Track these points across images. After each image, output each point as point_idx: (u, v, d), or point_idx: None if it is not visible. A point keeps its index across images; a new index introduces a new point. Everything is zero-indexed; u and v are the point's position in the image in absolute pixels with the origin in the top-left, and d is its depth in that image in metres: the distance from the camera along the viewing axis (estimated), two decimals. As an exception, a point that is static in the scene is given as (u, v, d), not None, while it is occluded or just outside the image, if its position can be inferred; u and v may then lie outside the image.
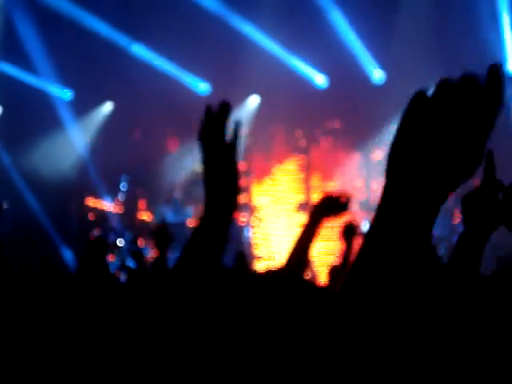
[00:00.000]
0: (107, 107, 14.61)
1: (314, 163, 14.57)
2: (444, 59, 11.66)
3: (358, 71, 12.97)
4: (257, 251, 13.80)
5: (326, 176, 14.55)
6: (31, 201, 13.86)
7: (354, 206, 13.83)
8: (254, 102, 14.20)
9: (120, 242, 13.38)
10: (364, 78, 13.10)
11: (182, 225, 12.90)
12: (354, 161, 14.15)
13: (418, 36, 12.26)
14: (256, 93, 14.02)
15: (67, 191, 13.55)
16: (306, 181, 14.64)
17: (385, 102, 12.77)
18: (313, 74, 13.46)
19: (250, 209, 14.29)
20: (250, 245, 13.56)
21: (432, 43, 12.13)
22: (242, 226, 13.71)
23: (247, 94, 14.02)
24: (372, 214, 1.13)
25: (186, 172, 14.33)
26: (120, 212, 14.39)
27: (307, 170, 14.63)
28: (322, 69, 13.36)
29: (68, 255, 13.41)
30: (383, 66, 13.06)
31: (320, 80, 13.52)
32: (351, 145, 13.90)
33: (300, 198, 14.59)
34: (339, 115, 13.48)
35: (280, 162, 14.69)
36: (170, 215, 13.07)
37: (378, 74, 13.16)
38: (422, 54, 12.05)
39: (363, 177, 14.10)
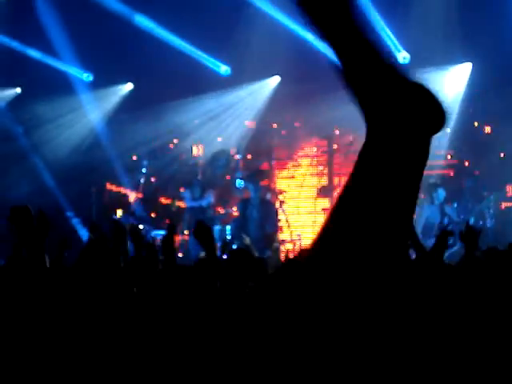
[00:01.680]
0: (127, 87, 14.46)
1: (335, 146, 14.36)
2: (462, 39, 11.53)
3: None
4: (280, 235, 13.64)
5: (349, 159, 14.33)
6: (51, 184, 13.80)
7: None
8: (274, 82, 13.95)
9: (141, 226, 13.27)
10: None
11: (201, 209, 12.78)
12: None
13: (437, 17, 12.02)
14: (277, 73, 13.79)
15: (87, 174, 13.44)
16: (329, 164, 14.44)
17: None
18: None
19: (272, 193, 14.12)
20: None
21: (451, 23, 11.90)
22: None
23: (268, 75, 13.82)
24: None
25: (205, 155, 14.21)
26: (140, 196, 14.29)
27: (329, 153, 14.43)
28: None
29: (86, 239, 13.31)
30: (404, 47, 12.80)
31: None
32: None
33: (322, 181, 14.42)
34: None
35: (302, 145, 14.50)
36: (188, 199, 12.94)
37: (402, 56, 12.89)
38: (441, 35, 11.85)
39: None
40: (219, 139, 14.20)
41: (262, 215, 11.44)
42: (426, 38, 11.86)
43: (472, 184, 12.77)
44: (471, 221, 11.90)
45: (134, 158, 14.32)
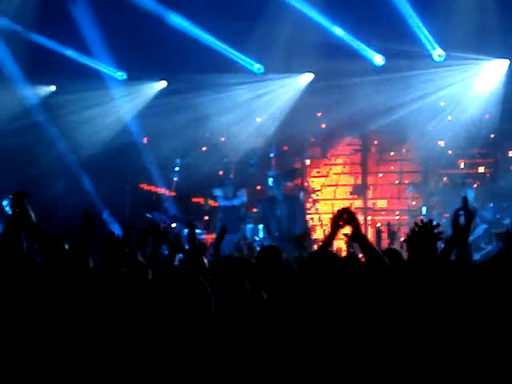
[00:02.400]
0: (160, 85, 14.45)
1: (370, 145, 14.26)
2: (499, 35, 11.39)
3: (416, 50, 12.57)
4: (314, 234, 13.58)
5: (382, 159, 14.22)
6: (85, 181, 13.90)
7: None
8: (307, 79, 13.83)
9: (173, 225, 13.31)
10: (422, 56, 12.70)
11: (234, 208, 12.75)
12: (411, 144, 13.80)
13: (473, 13, 11.86)
14: (310, 71, 13.70)
15: (121, 173, 13.50)
16: (363, 163, 14.34)
17: (443, 79, 12.49)
18: (370, 53, 13.07)
19: (304, 192, 14.08)
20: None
21: (488, 20, 11.74)
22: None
23: (301, 72, 13.75)
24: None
25: (238, 153, 14.17)
26: (173, 195, 14.32)
27: (363, 152, 14.32)
28: (378, 48, 12.98)
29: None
30: (440, 44, 12.64)
31: (378, 60, 13.12)
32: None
33: (355, 180, 14.33)
34: (394, 94, 13.05)
35: (335, 143, 14.41)
36: (221, 198, 12.92)
37: (437, 53, 12.73)
38: (477, 32, 11.71)
39: (420, 159, 13.73)
40: (251, 136, 14.11)
41: (288, 213, 11.36)
42: (461, 35, 11.72)
43: (507, 183, 12.62)
44: (507, 221, 11.75)
45: (168, 156, 14.33)
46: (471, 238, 6.70)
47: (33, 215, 4.25)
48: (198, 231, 11.66)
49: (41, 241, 3.99)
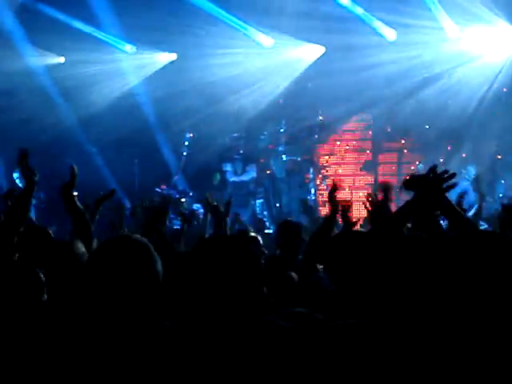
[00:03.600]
0: (171, 57, 14.26)
1: (379, 121, 14.13)
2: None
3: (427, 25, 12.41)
4: (322, 210, 13.53)
5: (392, 135, 14.11)
6: (93, 155, 13.87)
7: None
8: (317, 52, 13.60)
9: (183, 199, 13.28)
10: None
11: (244, 183, 12.73)
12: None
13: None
14: (321, 43, 13.49)
15: (130, 147, 13.45)
16: (373, 140, 14.24)
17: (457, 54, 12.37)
18: (381, 28, 12.88)
19: (314, 167, 14.01)
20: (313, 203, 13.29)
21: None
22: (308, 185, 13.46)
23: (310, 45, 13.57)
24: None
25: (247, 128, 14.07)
26: (182, 169, 14.28)
27: (373, 128, 14.22)
28: (390, 23, 12.81)
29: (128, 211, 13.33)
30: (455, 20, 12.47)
31: (390, 35, 12.95)
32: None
33: (365, 156, 14.24)
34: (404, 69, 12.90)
35: (346, 119, 14.29)
36: (230, 174, 12.88)
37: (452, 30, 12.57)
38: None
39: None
40: (261, 110, 13.91)
41: (291, 186, 11.32)
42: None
43: None
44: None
45: (178, 130, 14.24)
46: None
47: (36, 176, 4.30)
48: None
49: None
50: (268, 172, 13.21)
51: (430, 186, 2.89)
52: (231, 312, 2.38)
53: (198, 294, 2.39)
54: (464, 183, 11.79)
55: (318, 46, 13.51)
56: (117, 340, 2.40)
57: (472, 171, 12.08)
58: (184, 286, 2.44)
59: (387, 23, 12.76)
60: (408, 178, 2.97)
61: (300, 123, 14.34)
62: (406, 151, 13.92)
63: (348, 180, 13.94)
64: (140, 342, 2.40)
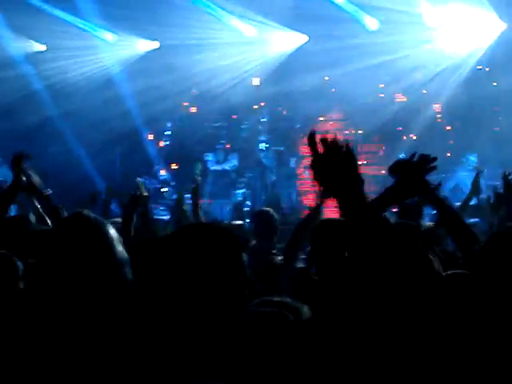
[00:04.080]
0: (153, 45, 14.12)
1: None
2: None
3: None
4: (305, 200, 13.53)
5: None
6: (75, 144, 13.76)
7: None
8: (300, 40, 13.53)
9: (164, 190, 13.26)
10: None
11: (225, 172, 12.70)
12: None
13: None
14: (304, 32, 13.42)
15: (111, 134, 13.36)
16: (355, 130, 14.24)
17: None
18: (364, 17, 12.85)
19: (297, 157, 14.00)
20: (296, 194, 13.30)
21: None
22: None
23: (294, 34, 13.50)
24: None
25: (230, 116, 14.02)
26: (163, 159, 14.22)
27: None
28: (372, 12, 12.79)
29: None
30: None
31: (372, 24, 12.93)
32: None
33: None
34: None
35: (327, 108, 14.27)
36: (212, 163, 12.85)
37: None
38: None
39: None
40: (243, 98, 13.80)
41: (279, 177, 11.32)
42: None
43: None
44: None
45: (159, 118, 14.16)
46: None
47: (35, 179, 4.26)
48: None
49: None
50: (256, 162, 13.16)
51: (411, 170, 2.87)
52: (214, 299, 2.31)
53: (178, 282, 2.30)
54: (463, 173, 11.81)
55: (301, 34, 13.44)
56: (85, 328, 2.34)
57: (473, 160, 12.07)
58: (163, 272, 2.32)
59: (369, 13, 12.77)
60: (393, 164, 2.94)
61: (281, 113, 14.32)
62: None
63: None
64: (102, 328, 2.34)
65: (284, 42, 13.59)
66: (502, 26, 12.44)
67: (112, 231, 2.43)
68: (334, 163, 2.25)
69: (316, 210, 4.81)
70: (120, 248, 2.43)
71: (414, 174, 2.86)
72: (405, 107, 13.34)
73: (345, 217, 2.22)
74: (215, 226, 2.45)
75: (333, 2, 12.44)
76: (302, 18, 12.54)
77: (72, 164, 13.30)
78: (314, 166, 2.28)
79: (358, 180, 2.22)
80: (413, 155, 2.91)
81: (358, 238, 2.21)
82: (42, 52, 14.06)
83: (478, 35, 12.59)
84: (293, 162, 13.63)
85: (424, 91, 13.30)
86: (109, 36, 13.87)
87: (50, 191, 4.47)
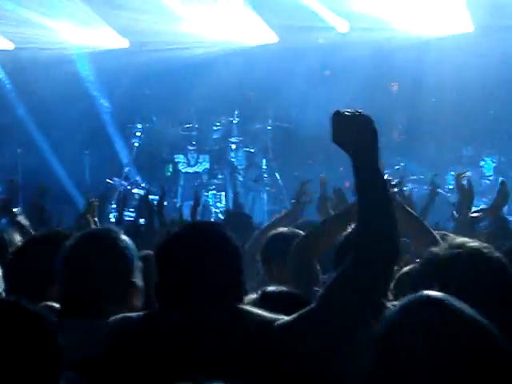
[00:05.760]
0: (124, 44, 13.97)
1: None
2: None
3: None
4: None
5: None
6: (44, 147, 13.61)
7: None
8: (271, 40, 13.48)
9: (135, 191, 13.16)
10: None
11: (197, 175, 12.65)
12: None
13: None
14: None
15: (81, 138, 13.25)
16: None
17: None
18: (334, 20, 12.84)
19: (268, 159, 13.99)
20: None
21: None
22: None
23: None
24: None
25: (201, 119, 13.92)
26: (134, 160, 14.09)
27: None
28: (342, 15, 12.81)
29: (81, 203, 13.13)
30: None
31: (342, 27, 12.94)
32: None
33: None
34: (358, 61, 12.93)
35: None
36: (183, 165, 12.79)
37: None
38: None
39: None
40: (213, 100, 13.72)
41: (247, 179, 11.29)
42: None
43: None
44: None
45: (130, 119, 14.03)
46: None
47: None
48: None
49: None
50: (227, 164, 13.09)
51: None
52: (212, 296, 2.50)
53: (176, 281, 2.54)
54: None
55: (272, 32, 13.39)
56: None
57: (490, 165, 11.98)
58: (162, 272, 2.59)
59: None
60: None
61: (252, 114, 14.25)
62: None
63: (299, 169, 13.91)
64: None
65: (254, 41, 13.56)
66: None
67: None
68: (358, 124, 2.42)
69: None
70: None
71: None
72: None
73: (360, 178, 2.39)
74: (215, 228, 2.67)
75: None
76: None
77: (39, 165, 13.15)
78: (336, 127, 2.44)
79: (376, 143, 2.41)
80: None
81: (370, 201, 2.40)
82: (9, 50, 13.88)
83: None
84: (264, 163, 13.59)
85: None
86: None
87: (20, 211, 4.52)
